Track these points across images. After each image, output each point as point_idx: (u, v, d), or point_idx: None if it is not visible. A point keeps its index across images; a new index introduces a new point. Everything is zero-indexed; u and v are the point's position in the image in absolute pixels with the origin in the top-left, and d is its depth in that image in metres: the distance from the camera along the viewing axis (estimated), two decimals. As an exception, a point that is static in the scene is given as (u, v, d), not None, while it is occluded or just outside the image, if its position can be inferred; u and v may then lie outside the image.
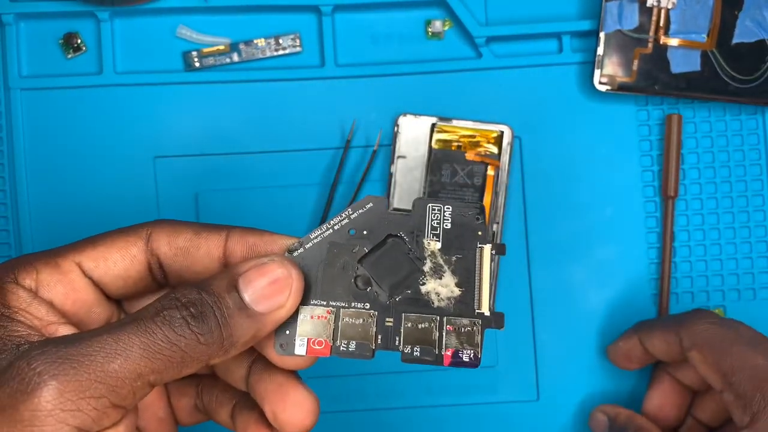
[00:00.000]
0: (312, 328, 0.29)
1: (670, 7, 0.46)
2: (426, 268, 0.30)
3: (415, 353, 0.29)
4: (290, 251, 0.30)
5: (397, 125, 0.46)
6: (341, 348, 0.29)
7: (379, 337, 0.29)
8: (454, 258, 0.30)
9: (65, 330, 0.28)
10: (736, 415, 0.38)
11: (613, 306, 0.47)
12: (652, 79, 0.46)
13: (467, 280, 0.30)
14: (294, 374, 0.31)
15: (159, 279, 0.31)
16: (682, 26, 0.46)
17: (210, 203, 0.47)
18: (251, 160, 0.47)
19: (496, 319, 0.29)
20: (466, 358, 0.29)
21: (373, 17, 0.48)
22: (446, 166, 0.46)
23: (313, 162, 0.47)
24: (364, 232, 0.30)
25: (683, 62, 0.46)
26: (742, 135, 0.47)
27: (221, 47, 0.47)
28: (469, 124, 0.46)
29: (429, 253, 0.30)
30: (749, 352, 0.38)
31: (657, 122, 0.47)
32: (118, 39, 0.47)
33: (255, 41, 0.47)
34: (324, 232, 0.30)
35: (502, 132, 0.46)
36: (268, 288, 0.28)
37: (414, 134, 0.46)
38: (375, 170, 0.47)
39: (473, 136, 0.46)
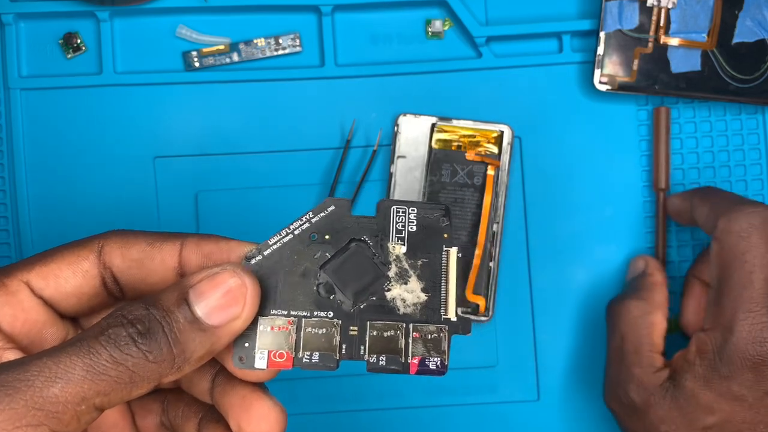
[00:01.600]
0: (272, 339, 0.28)
1: (670, 6, 0.45)
2: (391, 273, 0.29)
3: (381, 363, 0.28)
4: (248, 259, 0.29)
5: (397, 125, 0.46)
6: (304, 360, 0.28)
7: (344, 346, 0.28)
8: (419, 262, 0.29)
9: (11, 355, 0.27)
10: (707, 316, 0.40)
11: (613, 306, 0.47)
12: (653, 78, 0.46)
13: (433, 284, 0.29)
14: (258, 385, 0.30)
15: (114, 293, 0.30)
16: (683, 26, 0.46)
17: (210, 203, 0.47)
18: (251, 160, 0.47)
19: (462, 325, 0.29)
20: (432, 366, 0.28)
21: (373, 17, 0.48)
22: (446, 166, 0.46)
23: (313, 162, 0.47)
24: (326, 237, 0.29)
25: (683, 62, 0.46)
26: (743, 135, 0.47)
27: (221, 47, 0.47)
28: (469, 123, 0.46)
29: (394, 257, 0.29)
30: (753, 273, 0.39)
31: (657, 122, 0.48)
32: (117, 39, 0.47)
33: (255, 41, 0.47)
34: (283, 237, 0.29)
35: (502, 132, 0.46)
36: (220, 299, 0.26)
37: (414, 134, 0.46)
38: (375, 170, 0.47)
39: (473, 136, 0.46)
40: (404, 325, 0.29)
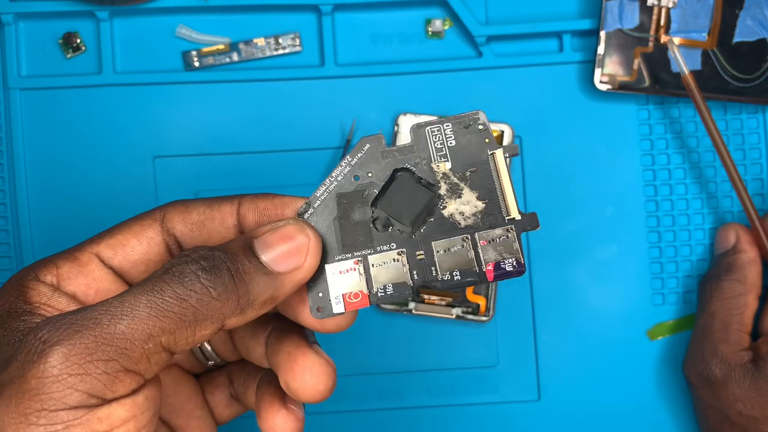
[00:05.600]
0: (344, 283, 0.28)
1: (670, 6, 0.45)
2: (442, 191, 0.29)
3: (455, 277, 0.28)
4: (300, 214, 0.29)
5: (397, 124, 0.46)
6: (379, 294, 0.28)
7: (414, 272, 0.28)
8: (468, 173, 0.29)
9: None
10: None
11: (613, 306, 0.47)
12: (653, 78, 0.46)
13: (488, 190, 0.28)
14: (305, 341, 0.30)
15: None
16: (683, 25, 0.46)
17: (210, 203, 0.47)
18: (251, 160, 0.47)
19: (530, 221, 0.28)
20: (509, 267, 0.28)
21: (373, 16, 0.48)
22: (446, 166, 0.46)
23: (313, 162, 0.47)
24: (369, 175, 0.29)
25: (684, 61, 0.45)
26: (743, 134, 0.47)
27: (221, 47, 0.47)
28: (470, 123, 0.46)
29: (441, 175, 0.29)
30: None
31: (658, 121, 0.47)
32: (117, 39, 0.47)
33: (255, 41, 0.47)
34: (329, 186, 0.29)
35: (503, 131, 0.46)
36: (284, 249, 0.27)
37: (414, 134, 0.46)
38: (375, 170, 0.47)
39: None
40: (469, 236, 0.28)
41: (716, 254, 0.46)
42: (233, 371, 0.33)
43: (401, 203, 0.29)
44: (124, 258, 0.29)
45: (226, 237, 0.30)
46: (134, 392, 0.25)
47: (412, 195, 0.29)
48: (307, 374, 0.29)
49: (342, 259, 0.29)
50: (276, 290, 0.27)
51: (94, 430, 0.24)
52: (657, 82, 0.46)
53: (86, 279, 0.29)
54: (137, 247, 0.29)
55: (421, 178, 0.29)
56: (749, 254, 0.44)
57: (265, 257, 0.27)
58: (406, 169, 0.29)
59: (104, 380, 0.24)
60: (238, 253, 0.27)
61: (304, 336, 0.30)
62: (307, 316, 0.29)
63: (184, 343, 0.25)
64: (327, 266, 0.28)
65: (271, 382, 0.31)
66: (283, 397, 0.30)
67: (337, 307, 0.28)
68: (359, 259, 0.28)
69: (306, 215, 0.29)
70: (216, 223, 0.29)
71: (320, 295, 0.28)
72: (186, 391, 0.33)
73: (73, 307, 0.28)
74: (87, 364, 0.24)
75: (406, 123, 0.46)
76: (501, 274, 0.28)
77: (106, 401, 0.24)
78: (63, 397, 0.23)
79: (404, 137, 0.46)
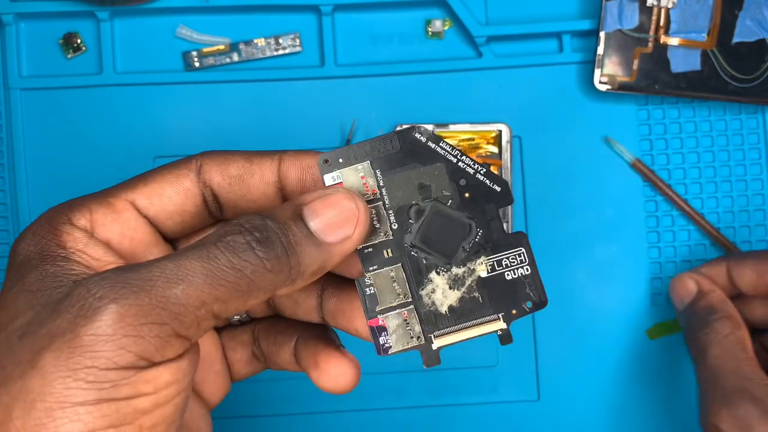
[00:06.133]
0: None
1: (670, 6, 0.46)
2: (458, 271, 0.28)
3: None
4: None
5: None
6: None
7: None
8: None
9: None
10: None
11: (613, 306, 0.47)
12: (653, 78, 0.46)
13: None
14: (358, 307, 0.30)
15: (214, 212, 0.30)
16: (683, 25, 0.46)
17: (210, 203, 0.47)
18: (251, 160, 0.47)
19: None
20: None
21: (373, 17, 0.48)
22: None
23: (313, 162, 0.47)
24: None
25: (683, 62, 0.46)
26: (743, 134, 0.47)
27: (221, 47, 0.47)
28: (467, 126, 0.46)
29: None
30: None
31: (657, 122, 0.47)
32: (117, 39, 0.47)
33: (255, 41, 0.47)
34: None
35: (500, 131, 0.46)
36: (334, 218, 0.26)
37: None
38: (375, 170, 0.47)
39: (472, 139, 0.46)
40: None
41: (683, 308, 0.44)
42: (260, 330, 0.32)
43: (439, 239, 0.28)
44: (161, 208, 0.29)
45: (265, 192, 0.29)
46: (179, 357, 0.25)
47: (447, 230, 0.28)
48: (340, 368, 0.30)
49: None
50: (325, 261, 0.27)
51: (139, 391, 0.24)
52: (656, 82, 0.46)
53: (121, 227, 0.28)
54: (174, 197, 0.29)
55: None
56: (718, 293, 0.43)
57: (315, 226, 0.26)
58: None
59: (155, 344, 0.24)
60: (288, 223, 0.26)
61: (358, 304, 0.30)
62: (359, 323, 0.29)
63: (233, 310, 0.25)
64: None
65: (319, 338, 0.31)
66: (338, 347, 0.30)
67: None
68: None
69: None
70: (255, 178, 0.29)
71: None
72: (207, 346, 0.32)
73: (109, 256, 0.27)
74: (141, 326, 0.23)
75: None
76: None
77: (153, 364, 0.24)
78: (114, 357, 0.23)
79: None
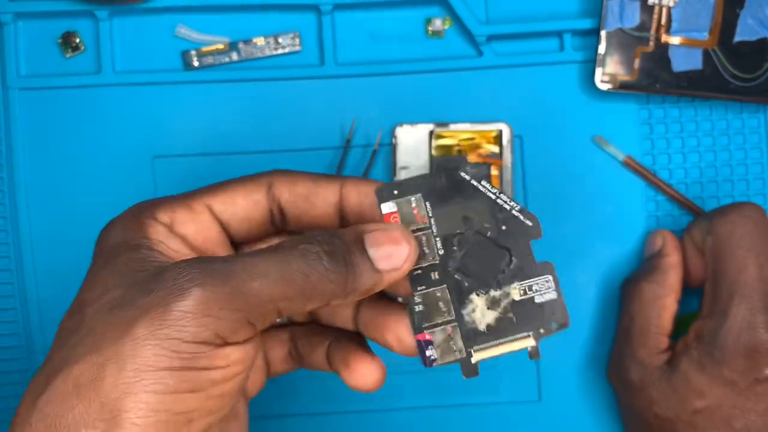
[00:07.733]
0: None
1: (671, 5, 0.45)
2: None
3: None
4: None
5: (395, 136, 0.46)
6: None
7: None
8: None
9: None
10: (705, 303, 0.42)
11: (613, 306, 0.47)
12: (654, 77, 0.45)
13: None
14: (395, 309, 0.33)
15: (277, 223, 0.33)
16: (684, 24, 0.45)
17: (209, 203, 0.47)
18: (251, 160, 0.47)
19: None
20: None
21: (373, 16, 0.47)
22: (449, 169, 0.45)
23: (313, 162, 0.47)
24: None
25: (685, 61, 0.45)
26: (744, 134, 0.47)
27: (220, 46, 0.47)
28: (467, 126, 0.46)
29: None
30: (747, 259, 0.40)
31: (658, 121, 0.47)
32: (116, 38, 0.47)
33: (254, 40, 0.47)
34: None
35: (501, 130, 0.46)
36: (389, 250, 0.30)
37: (413, 143, 0.46)
38: (375, 170, 0.47)
39: (472, 139, 0.46)
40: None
41: (643, 258, 0.46)
42: (297, 332, 0.35)
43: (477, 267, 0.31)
44: (233, 214, 0.32)
45: (326, 211, 0.33)
46: (246, 341, 0.28)
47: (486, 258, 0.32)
48: (401, 327, 0.32)
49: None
50: (376, 283, 0.30)
51: (214, 364, 0.27)
52: (658, 81, 0.45)
53: (197, 226, 0.32)
54: (245, 207, 0.32)
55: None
56: (672, 258, 0.44)
57: (373, 254, 0.30)
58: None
59: (231, 326, 0.27)
60: (351, 244, 0.30)
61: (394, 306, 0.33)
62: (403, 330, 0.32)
63: (294, 310, 0.29)
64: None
65: (351, 340, 0.34)
66: (368, 350, 0.33)
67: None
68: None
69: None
70: (320, 198, 0.33)
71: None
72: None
73: (186, 249, 0.31)
74: (222, 309, 0.27)
75: (404, 134, 0.46)
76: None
77: (227, 344, 0.27)
78: (197, 332, 0.26)
79: (403, 149, 0.46)
